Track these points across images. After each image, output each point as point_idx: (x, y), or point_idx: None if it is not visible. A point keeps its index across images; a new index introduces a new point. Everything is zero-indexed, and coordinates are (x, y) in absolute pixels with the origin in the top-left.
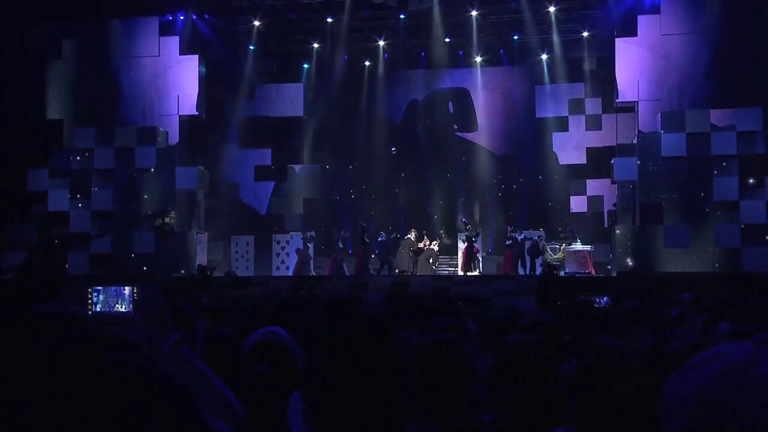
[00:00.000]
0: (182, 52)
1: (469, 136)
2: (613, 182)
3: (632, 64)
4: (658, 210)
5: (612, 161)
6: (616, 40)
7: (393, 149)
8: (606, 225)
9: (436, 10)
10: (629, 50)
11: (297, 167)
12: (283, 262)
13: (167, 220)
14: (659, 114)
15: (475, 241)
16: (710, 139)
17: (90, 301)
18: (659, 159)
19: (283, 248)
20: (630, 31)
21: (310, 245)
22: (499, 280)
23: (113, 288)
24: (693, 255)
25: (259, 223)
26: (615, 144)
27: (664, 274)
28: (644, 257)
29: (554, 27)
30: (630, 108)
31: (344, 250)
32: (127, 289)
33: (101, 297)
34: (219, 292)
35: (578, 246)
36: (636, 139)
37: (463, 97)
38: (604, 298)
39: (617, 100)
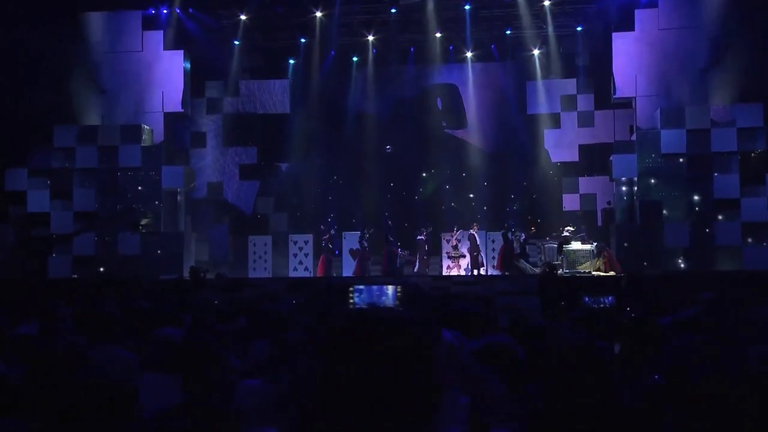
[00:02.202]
0: (167, 47)
1: (459, 133)
2: (611, 180)
3: (630, 59)
4: (657, 208)
5: (611, 158)
6: (613, 34)
7: (387, 147)
8: (600, 223)
9: (430, 5)
10: (626, 45)
11: (283, 166)
12: (300, 263)
13: (144, 221)
14: (658, 110)
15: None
16: (710, 136)
17: (351, 301)
18: (659, 156)
19: (300, 249)
20: (627, 25)
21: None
22: (501, 281)
23: (376, 287)
24: (693, 253)
25: (244, 224)
26: (607, 141)
27: (671, 273)
28: (644, 256)
29: (549, 21)
30: (623, 104)
31: (369, 250)
32: (390, 288)
33: (364, 296)
34: (217, 295)
35: (577, 245)
36: (635, 135)
37: (451, 94)
38: (609, 298)
39: (614, 96)
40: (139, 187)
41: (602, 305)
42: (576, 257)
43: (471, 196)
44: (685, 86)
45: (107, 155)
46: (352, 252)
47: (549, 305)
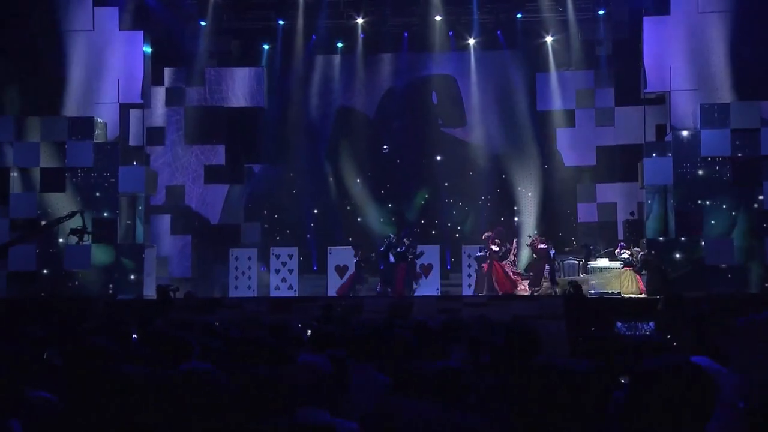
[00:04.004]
0: (123, 27)
1: (457, 132)
2: (642, 187)
3: (664, 47)
4: (697, 219)
5: (642, 162)
6: (645, 19)
7: (384, 147)
8: (621, 237)
9: None
10: (660, 31)
11: (256, 167)
12: (284, 280)
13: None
14: (698, 107)
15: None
16: (759, 137)
17: None
18: (698, 160)
19: (284, 264)
20: (661, 8)
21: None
22: (518, 302)
23: None
24: (738, 272)
25: (210, 235)
26: (629, 142)
27: (716, 295)
28: (682, 275)
29: (567, 3)
30: (653, 100)
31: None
32: None
33: None
34: (186, 317)
35: (604, 262)
36: (670, 136)
37: (448, 87)
38: (650, 325)
39: (645, 91)
40: (92, 191)
41: (640, 332)
42: (603, 276)
43: (468, 205)
44: (729, 79)
45: (52, 153)
46: (338, 268)
47: (577, 331)
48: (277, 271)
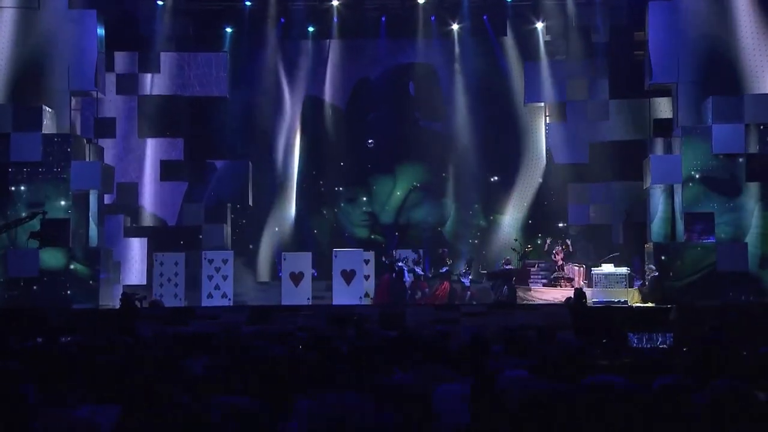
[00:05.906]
0: (73, 6)
1: (436, 126)
2: (646, 186)
3: (670, 34)
4: (708, 222)
5: (648, 159)
6: (650, 4)
7: (369, 141)
8: (621, 241)
9: None
10: (666, 17)
11: (219, 163)
12: (217, 287)
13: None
14: (709, 99)
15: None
16: None
17: None
18: (709, 157)
19: (217, 269)
20: None
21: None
22: (521, 312)
23: None
24: (753, 279)
25: (167, 238)
26: (625, 138)
27: (739, 304)
28: (691, 282)
29: None
30: (651, 93)
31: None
32: None
33: None
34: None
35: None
36: (678, 131)
37: (427, 76)
38: (668, 336)
39: (650, 82)
40: (40, 188)
41: (659, 344)
42: (608, 283)
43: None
44: (743, 69)
45: None
46: (293, 276)
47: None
48: (210, 278)
